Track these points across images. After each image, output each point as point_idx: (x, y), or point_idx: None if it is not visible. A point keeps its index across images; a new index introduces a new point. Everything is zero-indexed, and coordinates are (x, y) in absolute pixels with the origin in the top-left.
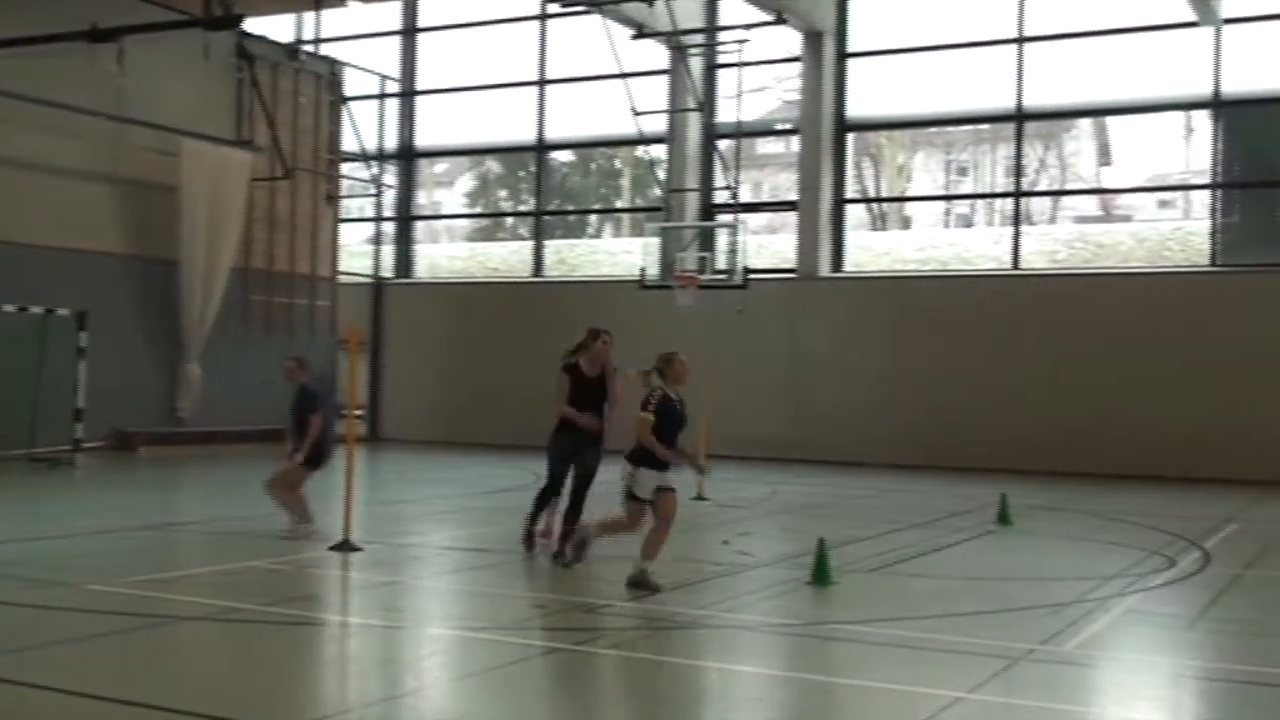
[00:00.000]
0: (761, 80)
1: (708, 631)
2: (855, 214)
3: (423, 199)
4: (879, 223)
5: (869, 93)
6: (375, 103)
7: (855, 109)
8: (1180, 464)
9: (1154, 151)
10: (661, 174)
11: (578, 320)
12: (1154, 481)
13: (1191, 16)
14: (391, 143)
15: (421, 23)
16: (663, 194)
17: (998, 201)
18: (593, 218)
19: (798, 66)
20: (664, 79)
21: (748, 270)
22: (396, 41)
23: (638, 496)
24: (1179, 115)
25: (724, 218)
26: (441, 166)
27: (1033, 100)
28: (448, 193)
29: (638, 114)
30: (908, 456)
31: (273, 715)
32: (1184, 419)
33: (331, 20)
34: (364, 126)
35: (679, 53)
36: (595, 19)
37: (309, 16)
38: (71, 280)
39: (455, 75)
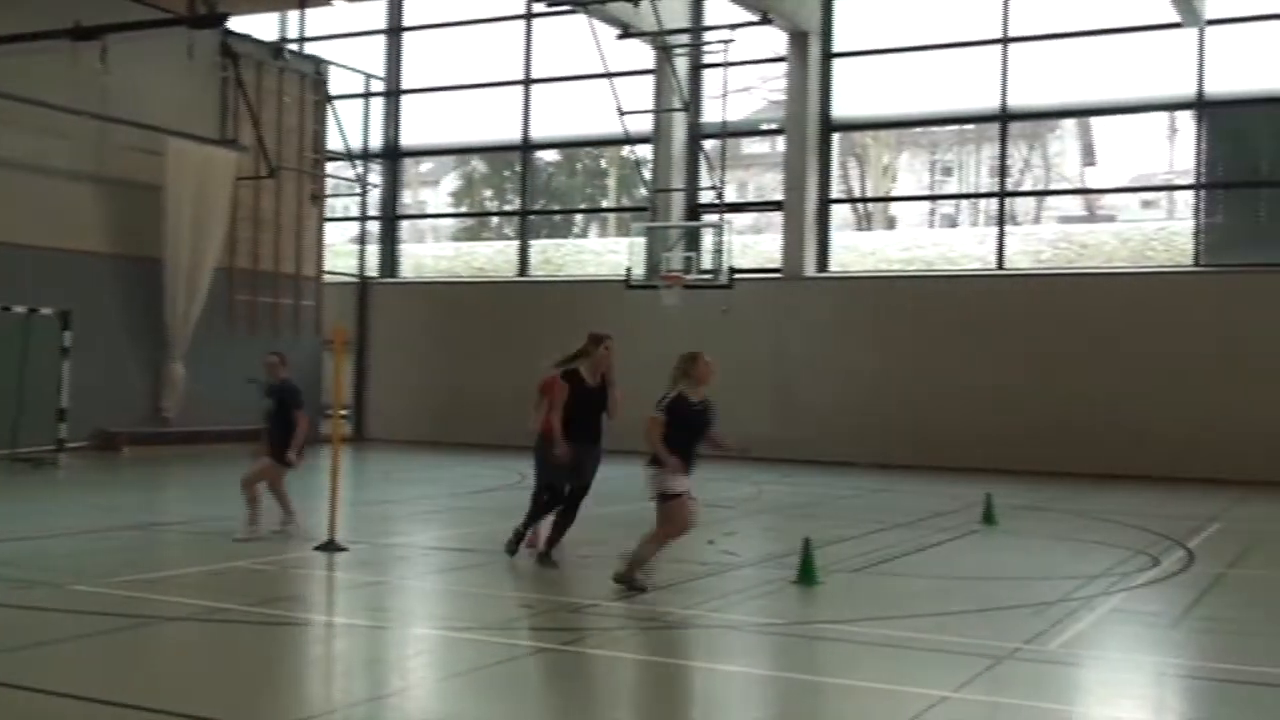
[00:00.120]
0: (747, 80)
1: (694, 631)
2: (840, 214)
3: (408, 198)
4: (864, 223)
5: (854, 93)
6: (360, 102)
7: (840, 109)
8: (1164, 463)
9: (1138, 152)
10: (647, 174)
11: (563, 320)
12: (1138, 481)
13: (1175, 17)
14: (376, 142)
15: (406, 22)
16: (648, 194)
17: (982, 201)
18: (578, 217)
19: (783, 66)
20: (649, 79)
21: (733, 270)
22: (381, 40)
23: (670, 494)
24: (1163, 116)
25: (709, 218)
26: (426, 166)
27: (1017, 100)
28: (433, 192)
29: (623, 114)
30: (893, 456)
31: (257, 716)
32: (1168, 419)
33: (316, 19)
34: (349, 125)
35: (664, 52)
36: (581, 18)
37: (293, 15)
38: (55, 279)
39: (440, 74)
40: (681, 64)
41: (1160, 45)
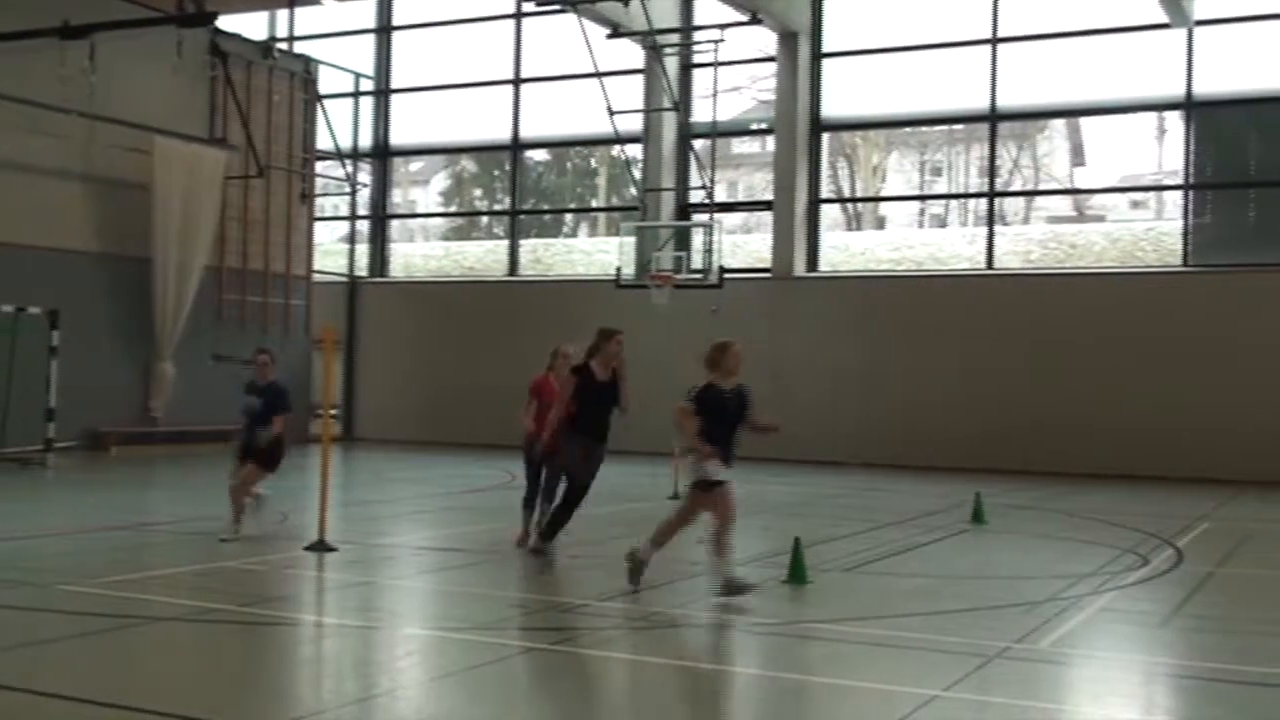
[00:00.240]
0: (736, 80)
1: (684, 630)
2: (830, 214)
3: (398, 198)
4: (854, 223)
5: (844, 93)
6: (350, 101)
7: (830, 109)
8: (1153, 463)
9: (1127, 152)
10: (637, 173)
11: (553, 320)
12: (1127, 480)
13: (1164, 18)
14: (366, 141)
15: (396, 21)
16: (638, 193)
17: (972, 202)
18: (568, 217)
19: (773, 66)
20: (639, 78)
21: (723, 270)
22: (371, 39)
23: (710, 480)
24: (1151, 116)
25: (699, 217)
26: (416, 165)
27: (1006, 101)
28: (423, 191)
29: (613, 113)
30: (882, 456)
31: (247, 716)
32: (1157, 418)
33: (306, 18)
34: (338, 125)
35: (654, 52)
36: (571, 18)
37: (283, 14)
38: (43, 279)
39: (430, 74)
40: (671, 64)
41: (1149, 46)
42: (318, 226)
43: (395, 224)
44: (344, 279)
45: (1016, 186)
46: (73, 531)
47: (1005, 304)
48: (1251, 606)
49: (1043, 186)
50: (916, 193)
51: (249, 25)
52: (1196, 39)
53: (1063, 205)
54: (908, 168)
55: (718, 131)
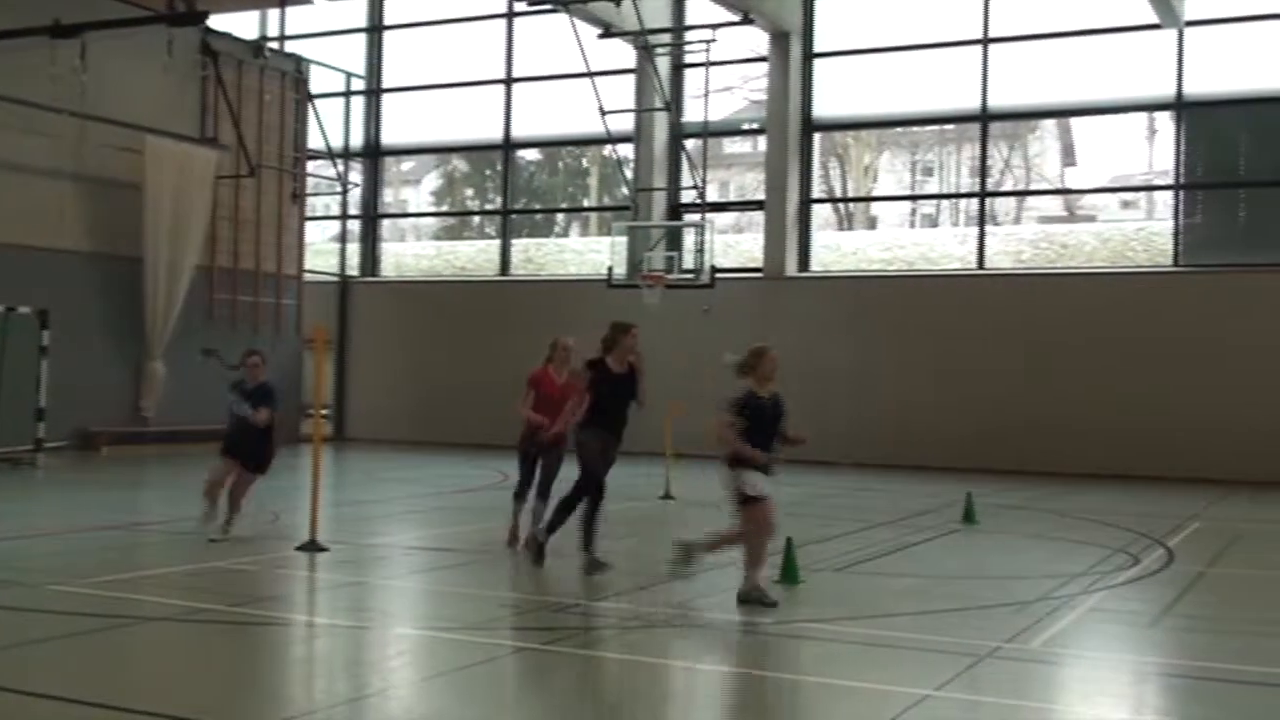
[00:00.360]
0: (728, 80)
1: (675, 630)
2: (821, 214)
3: (389, 197)
4: (845, 223)
5: (835, 93)
6: (341, 100)
7: (821, 109)
8: (1143, 463)
9: (1117, 152)
10: (629, 173)
11: (545, 319)
12: (1118, 480)
13: (1154, 19)
14: (357, 140)
15: (387, 20)
16: (630, 193)
17: (963, 202)
18: (560, 216)
19: (764, 66)
20: (631, 78)
21: (714, 270)
22: (362, 39)
23: (748, 494)
24: (1142, 116)
25: (691, 217)
26: (408, 164)
27: (997, 101)
28: (414, 191)
29: (605, 113)
30: (874, 455)
31: (238, 716)
32: (1147, 418)
33: (296, 17)
34: (330, 124)
35: (646, 52)
36: (562, 18)
37: (274, 13)
38: (34, 278)
39: (421, 73)
40: (663, 63)
41: (1139, 46)
42: (309, 226)
43: (386, 223)
44: (335, 279)
45: (1007, 186)
46: (63, 531)
47: (996, 304)
48: (1242, 606)
49: (1034, 186)
50: (908, 193)
51: (240, 24)
52: (1187, 39)
53: (1054, 205)
54: (899, 168)
55: (709, 131)
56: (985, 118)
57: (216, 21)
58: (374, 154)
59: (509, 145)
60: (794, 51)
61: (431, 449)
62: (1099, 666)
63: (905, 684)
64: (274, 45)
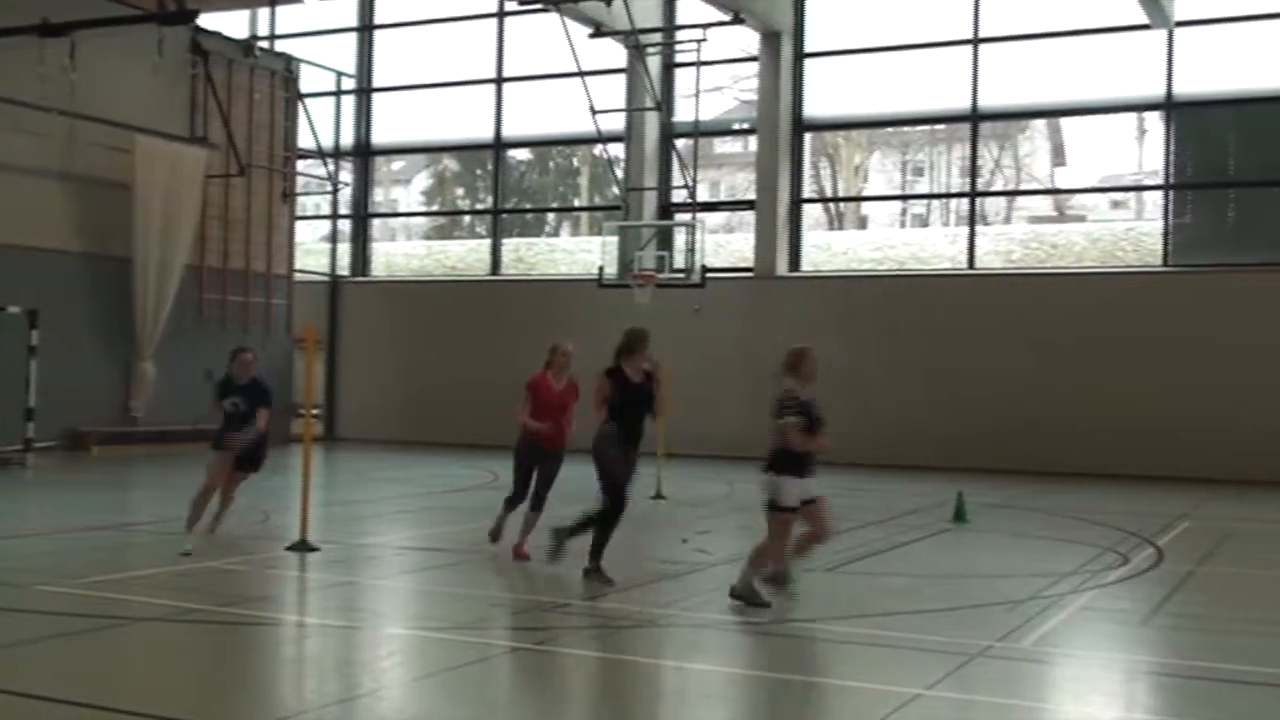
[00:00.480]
0: (719, 80)
1: (667, 630)
2: (812, 213)
3: (379, 197)
4: (836, 222)
5: (826, 93)
6: (331, 99)
7: (812, 109)
8: (1133, 462)
9: (1107, 152)
10: (619, 173)
11: (536, 319)
12: (1108, 479)
13: (1144, 19)
14: (348, 140)
15: (378, 19)
16: (621, 193)
17: (953, 201)
18: (550, 216)
19: (755, 66)
20: (622, 78)
21: (705, 269)
22: (353, 38)
23: (782, 507)
24: (1132, 117)
25: (682, 217)
26: (398, 164)
27: (988, 101)
28: (404, 190)
29: (596, 112)
30: (865, 455)
31: (229, 717)
32: (1137, 417)
33: (287, 16)
34: (320, 123)
35: (637, 52)
36: (553, 17)
37: (264, 12)
38: (23, 278)
39: (412, 72)
40: (654, 63)
41: (1129, 46)
42: (299, 225)
43: (377, 223)
44: (325, 278)
45: (998, 186)
46: (53, 531)
47: (987, 304)
48: (1231, 605)
49: (1024, 186)
50: (898, 193)
51: (230, 23)
52: (1177, 40)
53: (1044, 205)
54: (889, 168)
55: (700, 131)
56: (975, 118)
57: (207, 20)
58: (364, 153)
59: (500, 145)
60: (785, 51)
61: (422, 449)
62: (1090, 665)
63: (896, 683)
64: (264, 44)
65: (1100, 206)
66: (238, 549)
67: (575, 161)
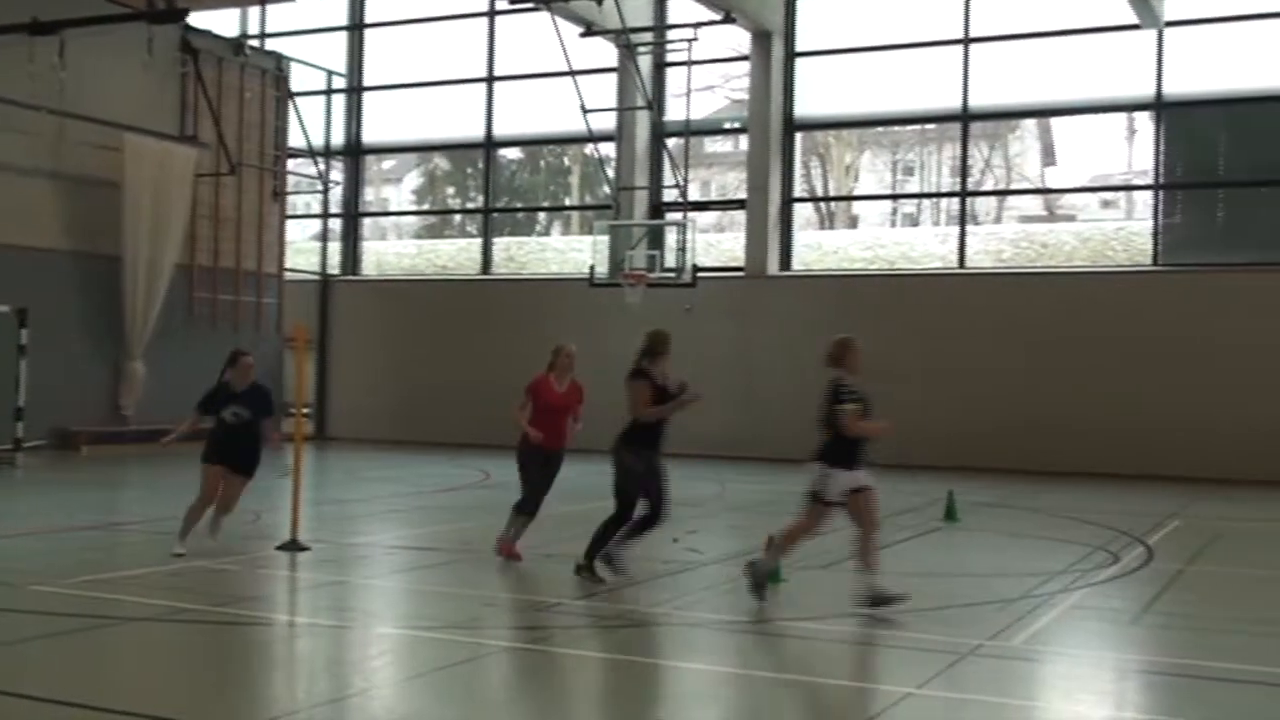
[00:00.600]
0: (710, 79)
1: (658, 629)
2: (803, 213)
3: (370, 196)
4: (826, 222)
5: (816, 92)
6: (322, 98)
7: (803, 108)
8: (1124, 461)
9: (1097, 152)
10: (610, 172)
11: (527, 318)
12: (1098, 478)
13: (1134, 19)
14: (338, 139)
15: (368, 18)
16: (611, 192)
17: (944, 201)
18: (541, 215)
19: (746, 66)
20: (613, 77)
21: (696, 269)
22: (343, 37)
23: (825, 499)
24: (1121, 116)
25: (673, 216)
26: (389, 163)
27: (978, 101)
28: (395, 189)
29: (586, 111)
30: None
31: (220, 717)
32: (1127, 417)
33: (277, 15)
34: (310, 122)
35: (628, 51)
36: (544, 16)
37: (254, 11)
38: (12, 277)
39: (403, 71)
40: (645, 62)
41: (1119, 46)
42: (289, 224)
43: (368, 222)
44: (316, 277)
45: (988, 186)
46: (43, 531)
47: (977, 303)
48: (1222, 605)
49: (1014, 186)
50: (889, 192)
51: (220, 22)
52: (1166, 40)
53: (1034, 205)
54: (880, 167)
55: (691, 130)
56: (966, 117)
57: (197, 19)
58: (355, 152)
59: (490, 144)
60: (775, 51)
61: (413, 448)
62: (1080, 664)
63: (887, 681)
64: (254, 43)
65: (1090, 206)
66: (229, 549)
67: (566, 160)
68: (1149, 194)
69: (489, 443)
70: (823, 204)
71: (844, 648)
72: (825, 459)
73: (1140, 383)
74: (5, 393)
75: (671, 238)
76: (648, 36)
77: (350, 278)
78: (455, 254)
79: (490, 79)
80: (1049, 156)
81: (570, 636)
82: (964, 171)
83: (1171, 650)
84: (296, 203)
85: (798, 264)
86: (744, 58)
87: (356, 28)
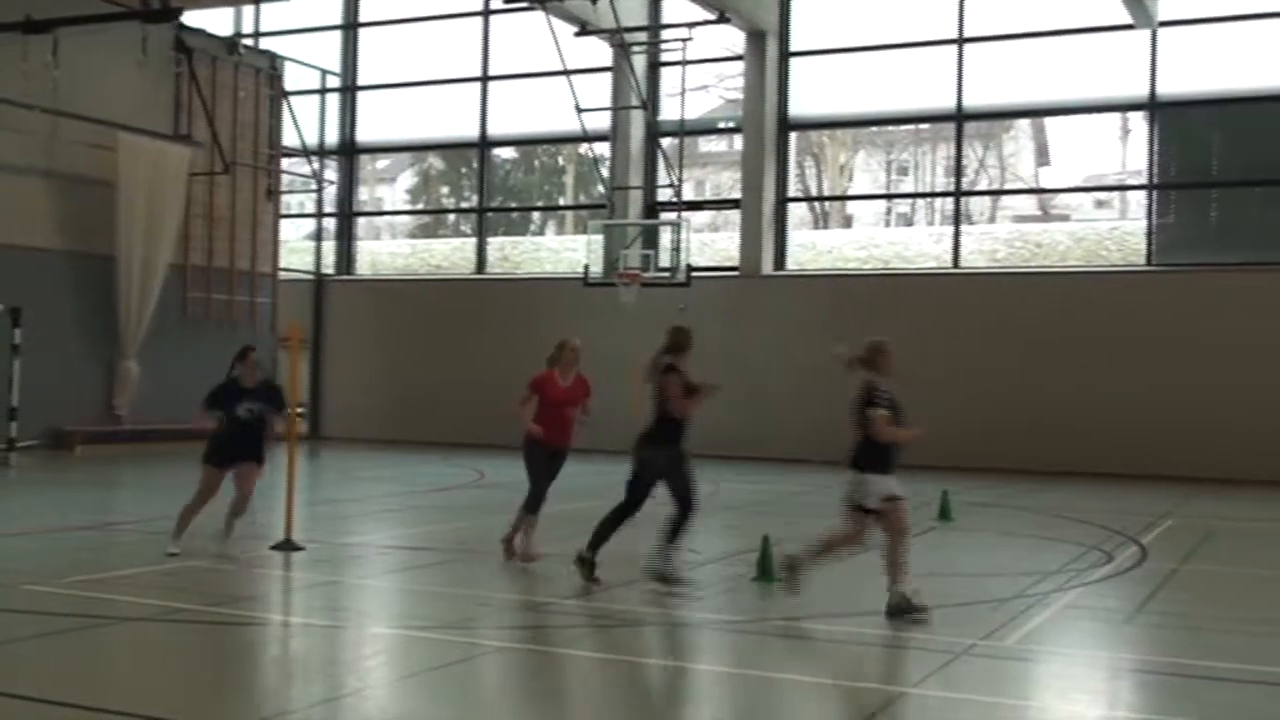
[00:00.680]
0: (704, 79)
1: (653, 629)
2: (797, 212)
3: (364, 195)
4: (821, 221)
5: (811, 92)
6: (316, 97)
7: (797, 108)
8: (1117, 460)
9: (1091, 152)
10: (605, 171)
11: (521, 318)
12: (1092, 478)
13: (1128, 19)
14: (333, 138)
15: (363, 17)
16: (606, 191)
17: (938, 201)
18: (536, 215)
19: (740, 65)
20: (607, 76)
21: (690, 268)
22: (338, 36)
23: (865, 507)
24: (1115, 116)
25: (667, 215)
26: (383, 162)
27: (972, 101)
28: (389, 189)
29: (581, 111)
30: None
31: (213, 717)
32: (1120, 416)
33: (271, 14)
34: (305, 121)
35: (622, 50)
36: (538, 15)
37: (248, 10)
38: (5, 276)
39: (397, 70)
40: (639, 62)
41: (1113, 46)
42: (284, 224)
43: (362, 221)
44: (310, 277)
45: (982, 186)
46: (37, 531)
47: (971, 303)
48: (1214, 603)
49: (1008, 186)
50: (883, 192)
51: (214, 21)
52: (1160, 40)
53: (1028, 205)
54: (874, 167)
55: (685, 130)
56: (960, 117)
57: (191, 18)
58: (349, 151)
59: (485, 143)
60: (770, 50)
61: (407, 447)
62: (1074, 663)
63: (881, 681)
64: (249, 42)
65: (1084, 206)
66: (223, 549)
67: (560, 160)
68: (1143, 194)
69: (483, 442)
70: (817, 204)
71: (838, 646)
72: (858, 464)
73: (1134, 382)
74: None
75: (666, 237)
76: (642, 36)
77: (344, 277)
78: (449, 253)
79: (485, 78)
80: (1043, 156)
81: (565, 636)
82: (958, 171)
83: (1165, 649)
84: (291, 202)
85: (792, 264)
86: (738, 57)
87: (351, 27)
